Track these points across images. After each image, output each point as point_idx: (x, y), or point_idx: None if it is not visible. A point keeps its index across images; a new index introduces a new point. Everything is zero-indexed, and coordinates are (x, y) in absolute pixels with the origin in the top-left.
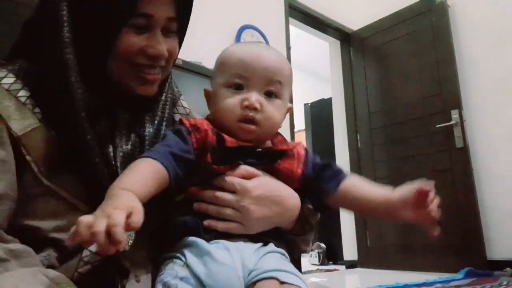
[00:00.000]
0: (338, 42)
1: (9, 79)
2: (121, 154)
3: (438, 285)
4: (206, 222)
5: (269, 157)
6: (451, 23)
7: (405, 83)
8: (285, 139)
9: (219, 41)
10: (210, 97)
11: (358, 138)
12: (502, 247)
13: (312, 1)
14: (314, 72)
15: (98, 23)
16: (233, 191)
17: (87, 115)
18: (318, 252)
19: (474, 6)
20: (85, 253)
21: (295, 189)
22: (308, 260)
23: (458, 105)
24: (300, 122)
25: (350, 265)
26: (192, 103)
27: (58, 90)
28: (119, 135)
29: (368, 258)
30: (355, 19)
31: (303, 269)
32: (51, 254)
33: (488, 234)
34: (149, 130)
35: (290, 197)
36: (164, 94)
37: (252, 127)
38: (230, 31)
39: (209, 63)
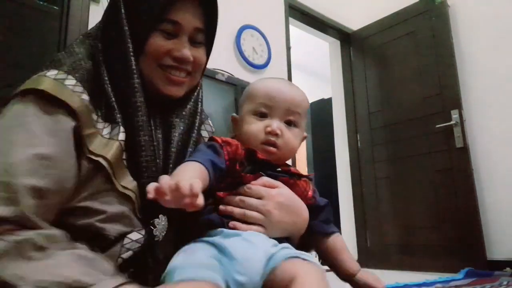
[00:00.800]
0: (338, 42)
1: (71, 81)
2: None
3: (438, 285)
4: (231, 223)
5: (287, 174)
6: (451, 23)
7: (405, 83)
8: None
9: (219, 41)
10: (237, 122)
11: (358, 138)
12: (502, 247)
13: (312, 1)
14: (314, 72)
15: (132, 25)
16: (258, 197)
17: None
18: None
19: (474, 6)
20: (126, 240)
21: None
22: None
23: (458, 105)
24: None
25: None
26: None
27: (124, 91)
28: (155, 137)
29: (368, 258)
30: (355, 19)
31: None
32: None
33: (488, 234)
34: (176, 133)
35: (304, 209)
36: (194, 102)
37: (273, 149)
38: (230, 31)
39: (209, 63)
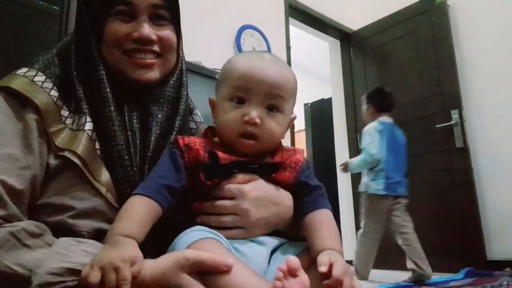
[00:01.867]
0: (338, 42)
1: (41, 77)
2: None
3: (438, 285)
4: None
5: (264, 171)
6: (451, 23)
7: (405, 83)
8: (283, 148)
9: (219, 41)
10: (214, 106)
11: (358, 138)
12: (502, 247)
13: (312, 1)
14: (314, 72)
15: (91, 15)
16: (231, 198)
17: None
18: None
19: (474, 6)
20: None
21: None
22: None
23: (458, 105)
24: (300, 122)
25: (350, 265)
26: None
27: (91, 86)
28: (129, 127)
29: None
30: (355, 19)
31: None
32: None
33: (488, 234)
34: (153, 121)
35: (284, 197)
36: (174, 88)
37: (251, 142)
38: (230, 31)
39: (209, 63)
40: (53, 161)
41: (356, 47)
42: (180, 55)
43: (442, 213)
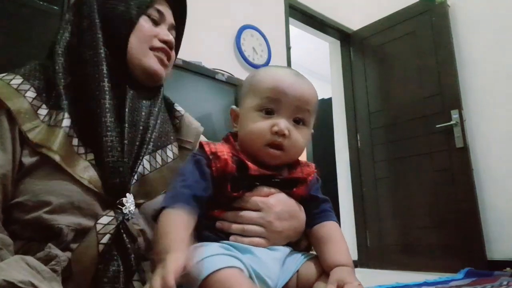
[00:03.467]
0: (338, 42)
1: (17, 80)
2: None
3: (438, 285)
4: (232, 237)
5: (285, 185)
6: (451, 23)
7: (405, 83)
8: (300, 162)
9: (219, 41)
10: (237, 116)
11: (358, 138)
12: (502, 247)
13: (312, 1)
14: (314, 72)
15: (123, 8)
16: (256, 209)
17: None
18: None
19: (474, 6)
20: (99, 226)
21: None
22: None
23: (458, 105)
24: None
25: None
26: (191, 103)
27: (89, 64)
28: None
29: (368, 258)
30: (355, 19)
31: None
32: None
33: (488, 234)
34: (145, 118)
35: (301, 212)
36: (161, 95)
37: (278, 152)
38: (230, 31)
39: (209, 63)
40: (28, 159)
41: (356, 47)
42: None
43: (442, 213)
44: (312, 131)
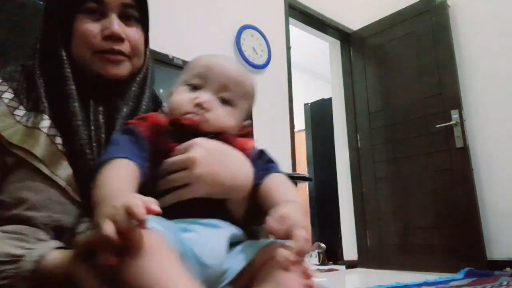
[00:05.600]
0: (338, 42)
1: None
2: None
3: (438, 285)
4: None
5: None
6: (451, 23)
7: (405, 83)
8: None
9: (219, 41)
10: (171, 94)
11: (358, 138)
12: (502, 247)
13: (312, 1)
14: (314, 72)
15: (56, 11)
16: (182, 157)
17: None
18: (318, 252)
19: (474, 6)
20: (80, 229)
21: None
22: (308, 260)
23: (458, 105)
24: (300, 122)
25: (350, 265)
26: None
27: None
28: (94, 122)
29: (368, 258)
30: (355, 19)
31: None
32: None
33: (488, 234)
34: (118, 116)
35: (245, 162)
36: (139, 85)
37: (198, 117)
38: (230, 31)
39: None
40: (6, 158)
41: (356, 47)
42: (147, 54)
43: (442, 213)
44: (249, 122)
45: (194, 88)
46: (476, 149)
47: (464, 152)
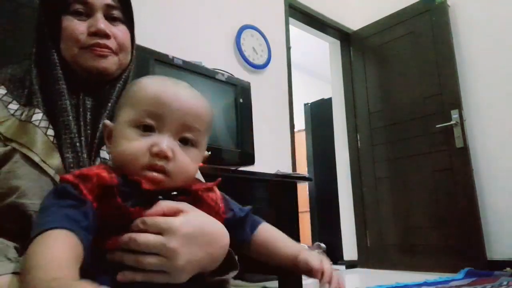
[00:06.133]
0: (338, 42)
1: None
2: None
3: (438, 285)
4: (120, 276)
5: (187, 194)
6: (451, 23)
7: (405, 83)
8: (197, 180)
9: (219, 41)
10: (110, 133)
11: (358, 138)
12: (502, 247)
13: (312, 1)
14: (314, 72)
15: (46, 15)
16: (158, 232)
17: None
18: (318, 252)
19: (474, 6)
20: None
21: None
22: None
23: (458, 105)
24: (300, 122)
25: (350, 265)
26: None
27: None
28: (83, 118)
29: (368, 258)
30: (355, 19)
31: None
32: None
33: (488, 234)
34: (103, 111)
35: (221, 233)
36: (124, 82)
37: (161, 176)
38: (230, 31)
39: (209, 63)
40: (1, 150)
41: (356, 47)
42: (134, 54)
43: (442, 213)
44: (208, 153)
45: (145, 129)
46: (476, 149)
47: (464, 152)
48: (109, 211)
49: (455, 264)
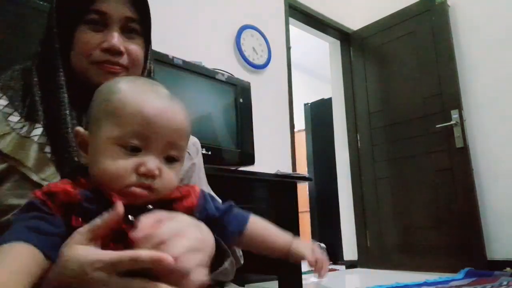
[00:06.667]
0: (338, 42)
1: None
2: None
3: (438, 285)
4: None
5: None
6: (451, 23)
7: (405, 83)
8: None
9: (219, 41)
10: (84, 142)
11: (358, 138)
12: (502, 247)
13: (312, 1)
14: (314, 72)
15: (60, 22)
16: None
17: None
18: None
19: (474, 6)
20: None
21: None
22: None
23: (458, 105)
24: (300, 122)
25: (350, 265)
26: (191, 103)
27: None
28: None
29: (368, 258)
30: (355, 19)
31: (302, 269)
32: None
33: (488, 234)
34: None
35: (208, 239)
36: None
37: (145, 192)
38: (230, 31)
39: (209, 63)
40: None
41: (356, 47)
42: (147, 67)
43: (442, 213)
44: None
45: (132, 149)
46: (476, 149)
47: (464, 152)
48: (78, 226)
49: (455, 264)
